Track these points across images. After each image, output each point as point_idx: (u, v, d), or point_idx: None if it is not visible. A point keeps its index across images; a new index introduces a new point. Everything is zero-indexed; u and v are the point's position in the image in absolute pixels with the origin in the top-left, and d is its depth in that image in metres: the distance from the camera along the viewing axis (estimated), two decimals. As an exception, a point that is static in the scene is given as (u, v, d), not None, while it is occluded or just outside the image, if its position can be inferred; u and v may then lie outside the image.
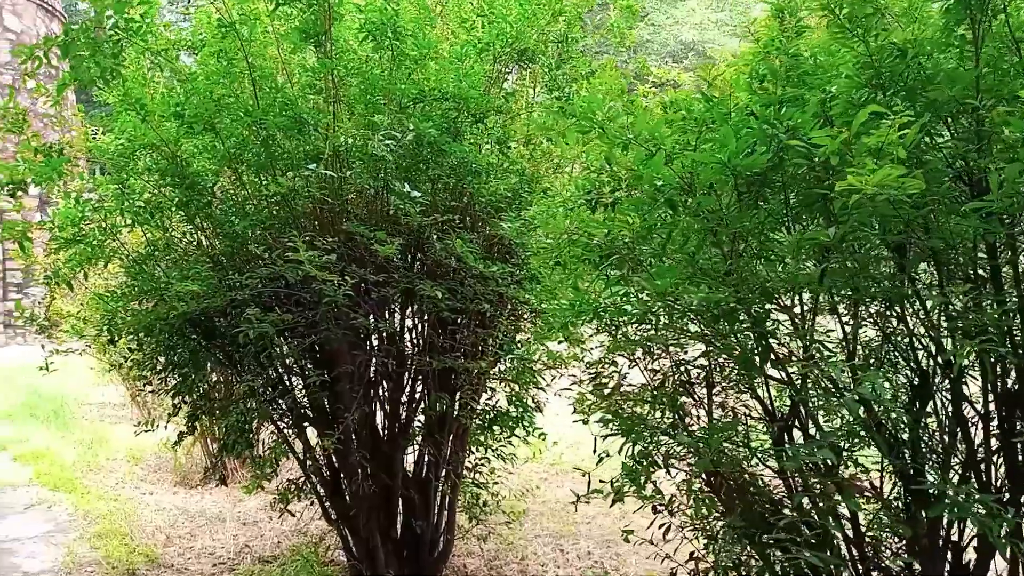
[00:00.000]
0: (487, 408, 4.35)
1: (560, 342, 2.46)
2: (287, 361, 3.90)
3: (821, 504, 1.77)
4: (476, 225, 3.83)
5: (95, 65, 3.14)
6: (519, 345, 4.04)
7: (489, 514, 4.56)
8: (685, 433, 1.85)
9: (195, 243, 3.93)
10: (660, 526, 2.09)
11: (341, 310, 3.35)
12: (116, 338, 3.73)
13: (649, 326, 2.29)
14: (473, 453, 4.50)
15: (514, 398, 4.28)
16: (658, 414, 2.10)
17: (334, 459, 3.98)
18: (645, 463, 1.98)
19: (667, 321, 1.87)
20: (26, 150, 3.66)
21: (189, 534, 5.20)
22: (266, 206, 3.64)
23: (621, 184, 2.09)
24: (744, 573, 1.98)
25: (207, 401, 4.11)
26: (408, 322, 4.05)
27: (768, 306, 2.01)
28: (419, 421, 4.20)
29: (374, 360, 3.90)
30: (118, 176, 3.70)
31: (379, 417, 4.10)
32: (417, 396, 4.13)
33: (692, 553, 2.07)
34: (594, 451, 2.10)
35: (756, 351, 1.82)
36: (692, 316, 1.81)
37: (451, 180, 3.65)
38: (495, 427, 4.40)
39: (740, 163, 1.66)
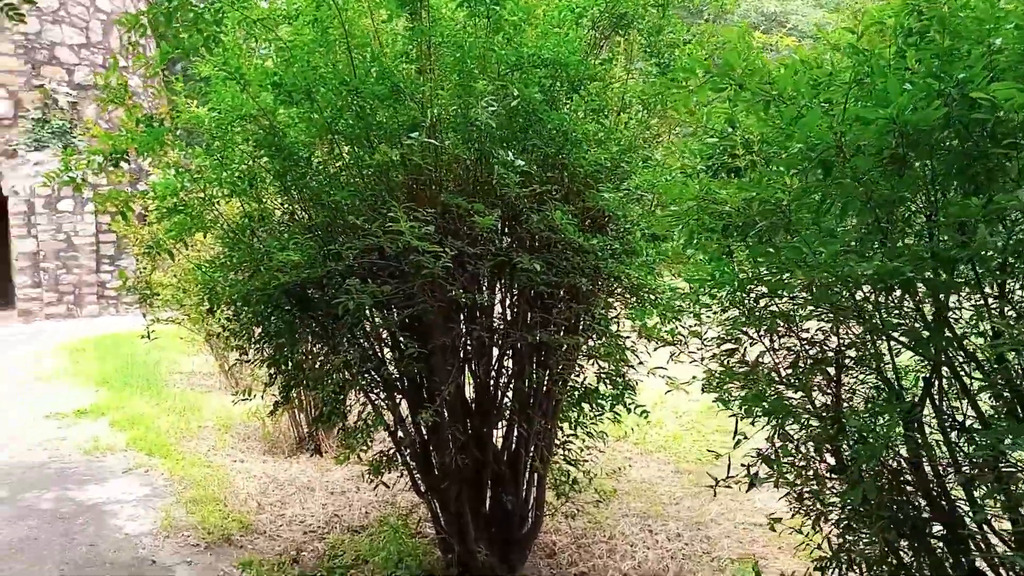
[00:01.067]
0: (576, 385, 4.27)
1: (672, 318, 2.34)
2: (380, 333, 3.88)
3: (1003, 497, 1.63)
4: (570, 196, 3.73)
5: (197, 33, 3.14)
6: (617, 321, 3.93)
7: (579, 492, 4.49)
8: (854, 416, 1.72)
9: (290, 214, 3.93)
10: (807, 513, 1.97)
11: (438, 282, 3.30)
12: (215, 308, 3.78)
13: (773, 301, 2.16)
14: (562, 430, 4.43)
15: (605, 376, 4.18)
16: (793, 394, 1.97)
17: (424, 432, 3.96)
18: (789, 447, 1.86)
19: (825, 293, 1.73)
20: (128, 120, 3.72)
21: (280, 502, 5.30)
22: (361, 177, 3.60)
23: (752, 148, 1.95)
24: (895, 564, 1.84)
25: (300, 371, 4.13)
26: (497, 295, 3.98)
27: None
28: (508, 396, 4.14)
29: (465, 333, 3.85)
30: (216, 147, 3.72)
31: (468, 391, 4.06)
32: (508, 371, 4.07)
33: (840, 545, 1.94)
34: (734, 434, 1.99)
35: (930, 327, 1.68)
36: (855, 288, 1.67)
37: (549, 150, 3.54)
38: (584, 404, 4.32)
39: (909, 119, 1.51)
